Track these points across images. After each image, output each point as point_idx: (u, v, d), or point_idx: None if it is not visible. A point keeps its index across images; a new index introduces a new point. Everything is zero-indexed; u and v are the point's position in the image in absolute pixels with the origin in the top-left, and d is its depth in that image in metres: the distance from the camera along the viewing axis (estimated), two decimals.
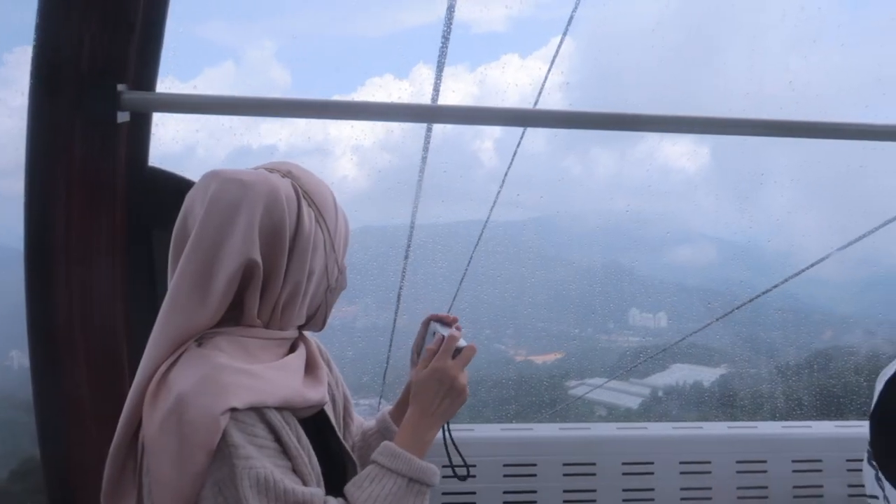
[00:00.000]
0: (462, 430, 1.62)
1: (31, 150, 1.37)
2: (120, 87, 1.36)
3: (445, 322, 1.34)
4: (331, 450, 1.26)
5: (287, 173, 1.16)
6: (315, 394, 1.16)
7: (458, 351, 1.21)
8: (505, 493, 1.64)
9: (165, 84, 1.50)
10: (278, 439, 1.05)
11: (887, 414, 1.11)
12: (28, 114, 1.35)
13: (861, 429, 1.51)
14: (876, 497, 1.16)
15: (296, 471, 1.06)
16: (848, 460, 1.69)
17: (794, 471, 1.71)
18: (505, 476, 1.64)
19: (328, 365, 1.39)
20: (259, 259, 1.08)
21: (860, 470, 1.24)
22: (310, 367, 1.21)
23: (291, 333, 1.19)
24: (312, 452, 1.11)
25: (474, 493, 1.61)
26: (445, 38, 2.22)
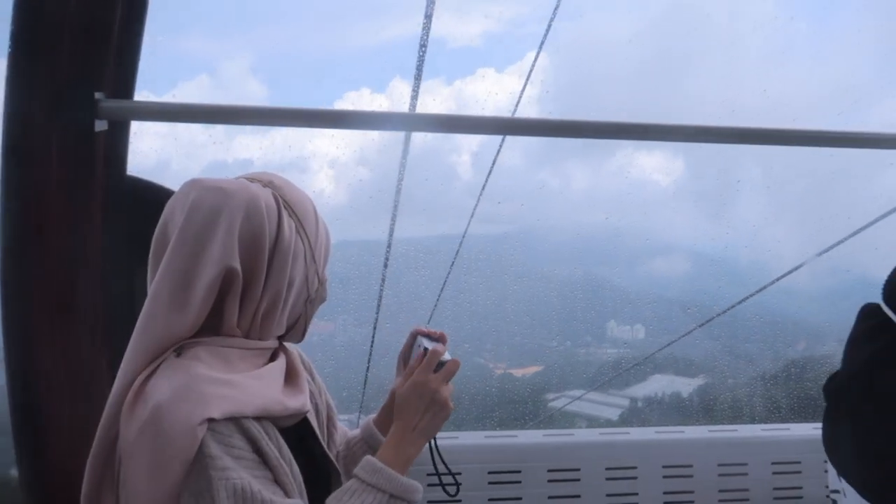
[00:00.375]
0: (446, 438, 1.61)
1: (6, 159, 1.35)
2: (97, 95, 1.35)
3: (432, 337, 1.34)
4: (315, 459, 1.25)
5: (268, 183, 1.16)
6: (295, 402, 1.15)
7: (442, 365, 1.21)
8: (490, 500, 1.63)
9: (141, 97, 1.50)
10: (257, 450, 1.04)
11: (833, 407, 1.13)
12: (2, 122, 1.33)
13: None
14: (838, 491, 1.18)
15: (277, 481, 1.05)
16: (825, 461, 1.71)
17: (775, 472, 1.72)
18: (490, 483, 1.64)
19: (310, 374, 1.38)
20: (238, 267, 1.08)
21: None
22: (290, 376, 1.20)
23: (271, 343, 1.18)
24: (294, 462, 1.10)
25: (459, 501, 1.60)
26: (423, 47, 2.24)
